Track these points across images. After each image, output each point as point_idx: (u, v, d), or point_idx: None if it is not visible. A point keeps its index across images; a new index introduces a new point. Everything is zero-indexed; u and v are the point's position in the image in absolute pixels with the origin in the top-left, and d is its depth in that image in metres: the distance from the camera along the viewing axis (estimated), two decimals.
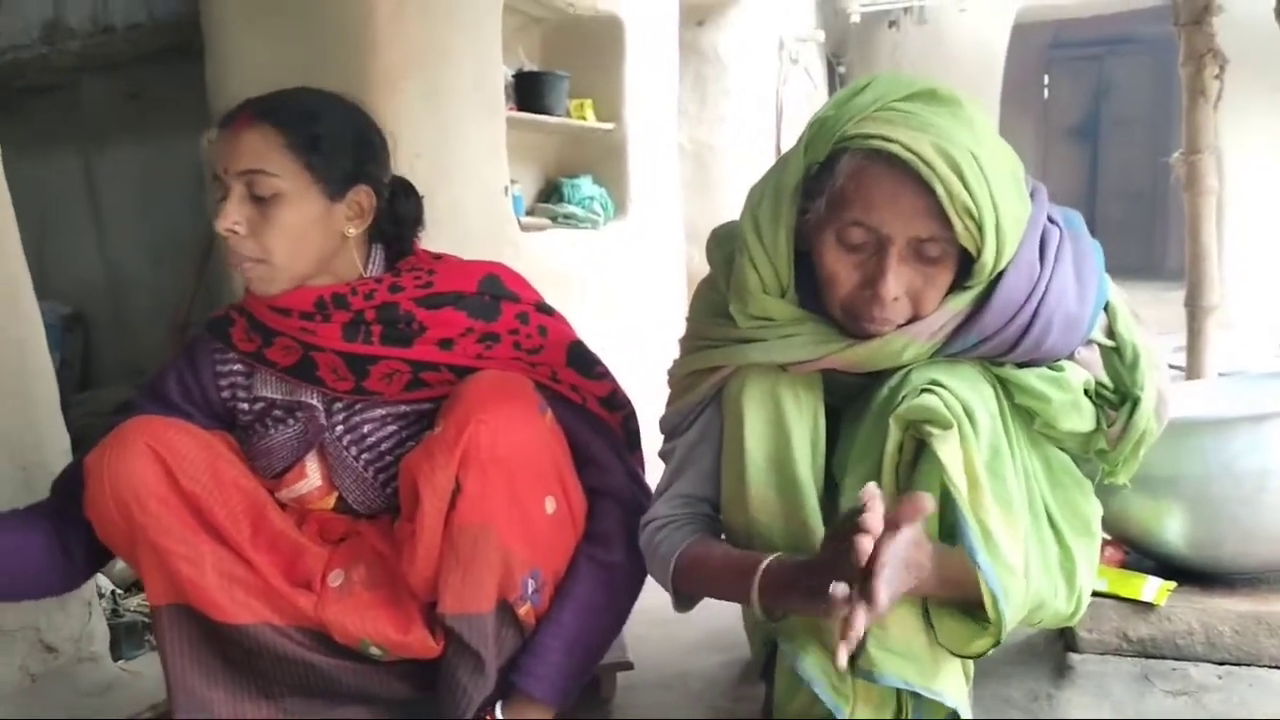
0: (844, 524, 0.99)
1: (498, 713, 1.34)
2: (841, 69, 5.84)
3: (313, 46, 2.43)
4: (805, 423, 1.17)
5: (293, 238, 1.33)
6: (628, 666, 1.62)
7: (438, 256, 1.49)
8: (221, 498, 1.31)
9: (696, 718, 1.58)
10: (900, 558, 0.95)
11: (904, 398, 1.09)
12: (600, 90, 3.60)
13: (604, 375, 1.47)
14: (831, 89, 5.70)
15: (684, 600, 1.29)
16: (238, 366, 1.46)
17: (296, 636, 1.32)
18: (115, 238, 3.61)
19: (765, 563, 1.10)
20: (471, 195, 2.69)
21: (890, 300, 1.10)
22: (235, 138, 1.32)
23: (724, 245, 1.27)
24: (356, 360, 1.38)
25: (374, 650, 1.32)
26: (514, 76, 3.23)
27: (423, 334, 1.38)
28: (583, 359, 1.46)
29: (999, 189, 1.06)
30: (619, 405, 1.47)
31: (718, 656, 1.79)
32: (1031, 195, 1.15)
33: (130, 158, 3.54)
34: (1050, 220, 1.17)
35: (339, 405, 1.43)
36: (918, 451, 1.10)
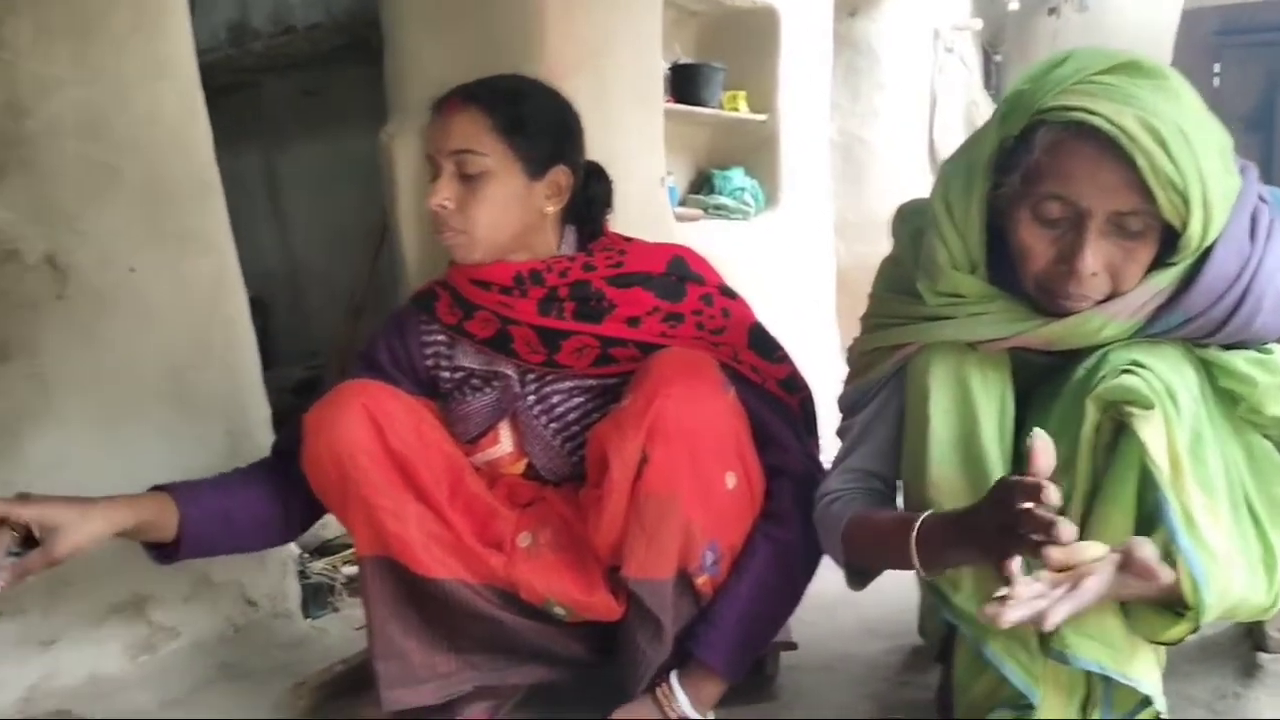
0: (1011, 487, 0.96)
1: (672, 681, 1.39)
2: (998, 58, 5.66)
3: (485, 45, 2.53)
4: (993, 403, 1.16)
5: (495, 213, 1.41)
6: (791, 646, 1.63)
7: (628, 239, 1.55)
8: (426, 459, 1.39)
9: (859, 700, 1.58)
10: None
11: (1102, 378, 1.07)
12: (753, 82, 3.60)
13: (783, 359, 1.50)
14: (987, 80, 5.54)
15: (856, 575, 1.30)
16: (441, 337, 1.54)
17: (486, 594, 1.39)
18: (293, 228, 3.84)
19: (925, 515, 1.09)
20: (630, 187, 2.73)
21: (1088, 276, 1.08)
22: (446, 121, 1.42)
23: (910, 221, 1.28)
24: (549, 334, 1.45)
25: (558, 610, 1.38)
26: (670, 69, 3.27)
27: (612, 311, 1.44)
28: (763, 342, 1.49)
29: (1206, 162, 1.03)
30: (797, 388, 1.49)
31: (881, 642, 1.79)
32: (1241, 173, 1.11)
33: (308, 153, 3.75)
34: (1260, 199, 1.13)
35: (531, 376, 1.49)
36: (1116, 433, 1.08)
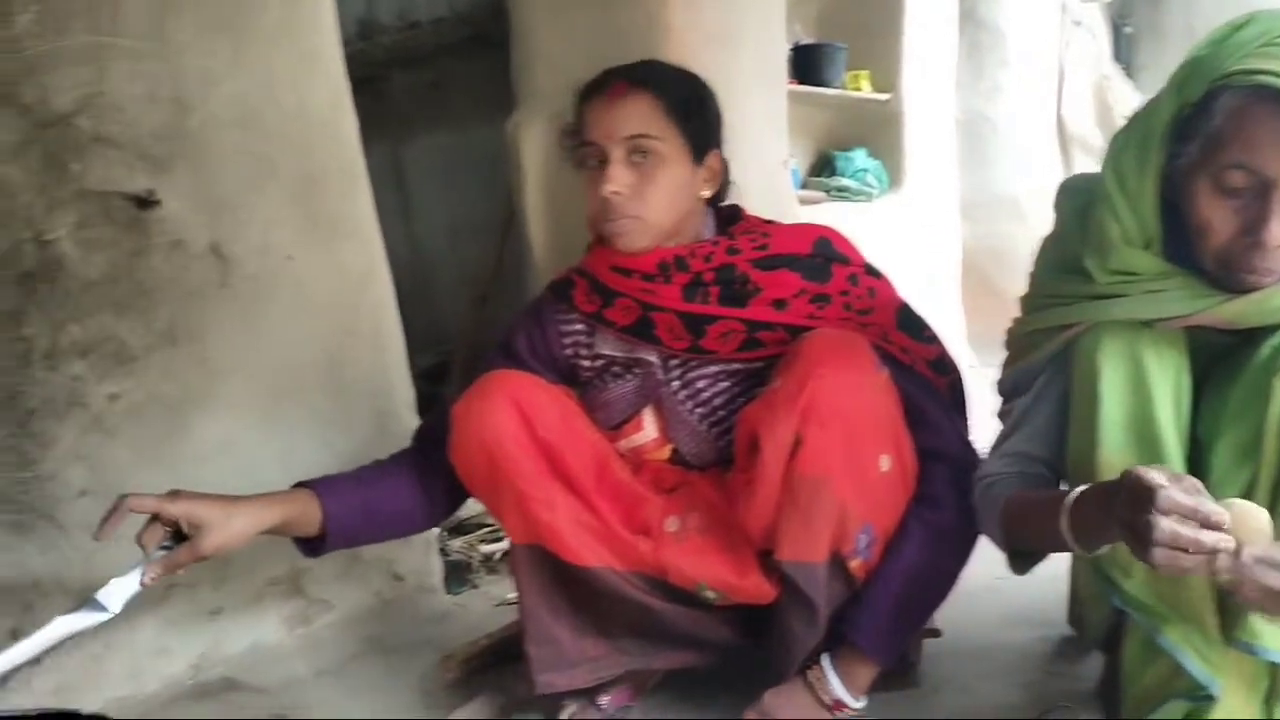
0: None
1: (824, 663, 1.38)
2: (1128, 29, 5.43)
3: (611, 32, 2.53)
4: (1169, 383, 1.11)
5: (668, 198, 1.42)
6: (935, 633, 1.61)
7: (768, 221, 1.53)
8: (572, 448, 1.40)
9: (1010, 690, 1.54)
10: None
11: None
12: (876, 61, 3.53)
13: (933, 339, 1.47)
14: (1117, 53, 5.32)
15: (1019, 559, 1.27)
16: (579, 325, 1.55)
17: (635, 581, 1.40)
18: (419, 218, 3.93)
19: (1081, 488, 1.05)
20: (753, 170, 2.71)
21: (1274, 248, 1.03)
22: (615, 105, 1.42)
23: (1075, 197, 1.23)
24: (694, 320, 1.44)
25: (709, 594, 1.38)
26: (792, 50, 3.23)
27: (757, 294, 1.43)
28: (912, 322, 1.47)
29: None
30: (947, 369, 1.46)
31: (1027, 631, 1.74)
32: None
33: (432, 145, 3.83)
34: None
35: (675, 362, 1.49)
36: None
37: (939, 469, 1.38)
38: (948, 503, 1.36)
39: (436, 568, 2.02)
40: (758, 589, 1.34)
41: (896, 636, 1.37)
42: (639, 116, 1.40)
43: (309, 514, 1.38)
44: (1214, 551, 0.85)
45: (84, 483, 1.53)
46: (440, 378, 3.38)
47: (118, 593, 1.19)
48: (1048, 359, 1.23)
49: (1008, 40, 4.60)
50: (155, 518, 1.24)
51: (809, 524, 1.29)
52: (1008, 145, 4.62)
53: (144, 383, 1.59)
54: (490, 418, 1.37)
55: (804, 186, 3.43)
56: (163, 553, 1.24)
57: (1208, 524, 0.86)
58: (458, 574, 2.13)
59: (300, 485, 1.41)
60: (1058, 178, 4.98)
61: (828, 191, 3.41)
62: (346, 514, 1.41)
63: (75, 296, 1.53)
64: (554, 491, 1.38)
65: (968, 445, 1.42)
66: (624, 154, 1.40)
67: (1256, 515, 0.90)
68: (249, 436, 1.68)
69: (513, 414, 1.37)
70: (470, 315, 3.37)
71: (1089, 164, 4.78)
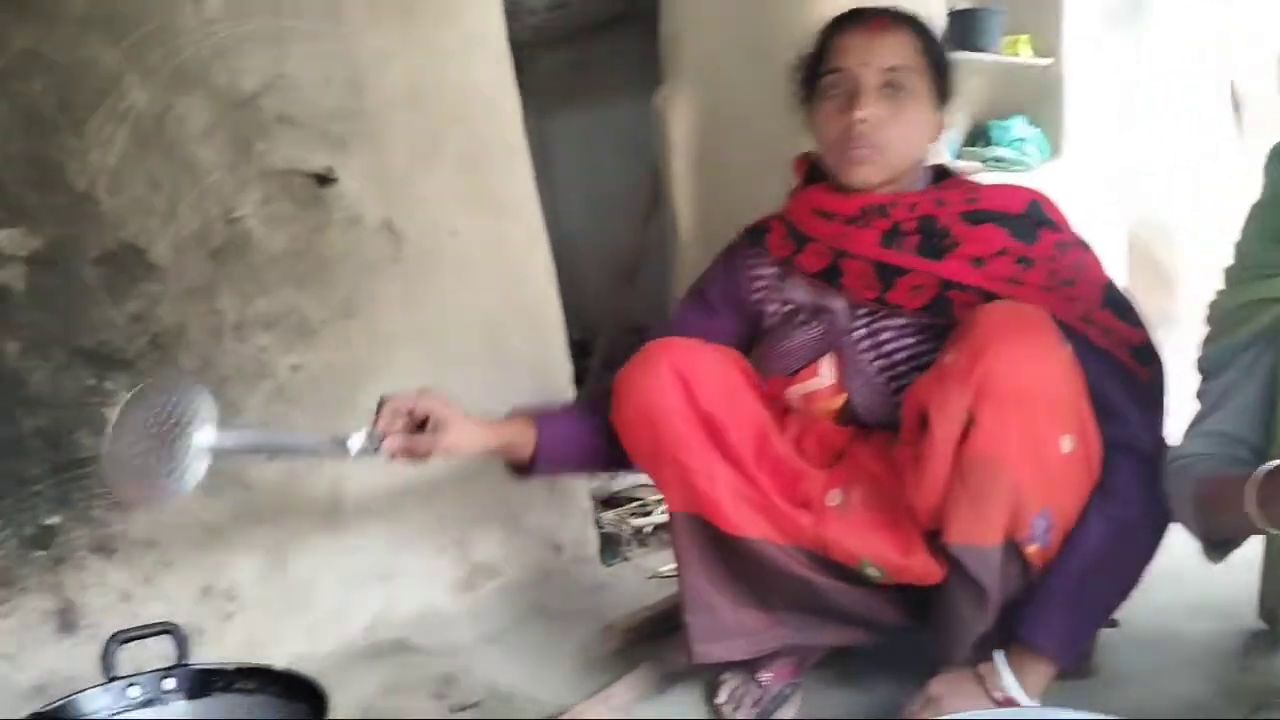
0: None
1: (997, 660, 1.32)
2: None
3: (762, 4, 2.51)
4: None
5: (911, 136, 1.42)
6: (1113, 623, 1.54)
7: (977, 183, 1.49)
8: (733, 419, 1.39)
9: (1196, 683, 1.46)
10: None
11: None
12: (1037, 24, 3.37)
13: (1139, 323, 1.37)
14: None
15: (1216, 548, 1.20)
16: (771, 270, 1.54)
17: (795, 555, 1.38)
18: (562, 196, 3.98)
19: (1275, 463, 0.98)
20: None
21: None
22: (877, 36, 1.41)
23: None
24: (886, 270, 1.41)
25: (872, 571, 1.34)
26: (948, 15, 3.12)
27: (956, 249, 1.38)
28: (1119, 301, 1.38)
29: None
30: (1150, 357, 1.36)
31: (1209, 623, 1.65)
32: None
33: (575, 122, 3.88)
34: None
35: (861, 310, 1.46)
36: None
37: (1125, 462, 1.31)
38: (1132, 498, 1.29)
39: (593, 539, 2.05)
40: (924, 569, 1.30)
41: (1074, 636, 1.32)
42: (900, 49, 1.40)
43: (524, 440, 1.45)
44: None
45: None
46: (584, 354, 3.43)
47: (356, 443, 1.29)
48: (1256, 334, 1.14)
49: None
50: (409, 413, 1.34)
51: (980, 507, 1.24)
52: (1175, 112, 4.35)
53: (322, 354, 1.66)
54: (652, 387, 1.37)
55: (959, 157, 3.31)
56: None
57: None
58: (610, 546, 2.15)
59: (518, 412, 1.48)
60: (1228, 145, 4.68)
61: (983, 162, 3.28)
62: (555, 444, 1.47)
63: (261, 271, 1.60)
64: (714, 462, 1.37)
65: (1159, 439, 1.34)
66: (878, 84, 1.39)
67: None
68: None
69: (675, 384, 1.37)
70: (615, 293, 3.40)
71: (1264, 130, 4.46)
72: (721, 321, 1.56)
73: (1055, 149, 3.42)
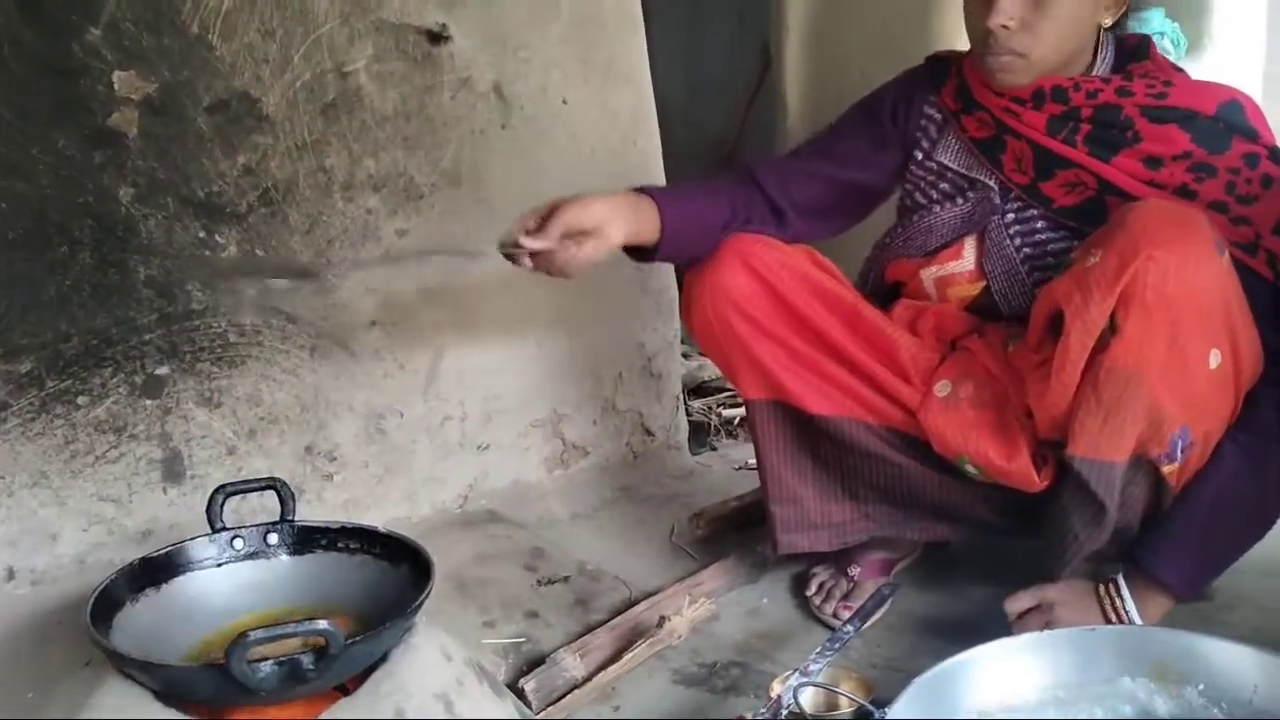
0: None
1: (1120, 583, 1.28)
2: None
3: None
4: None
5: (1062, 31, 1.28)
6: None
7: (1177, 68, 1.36)
8: (813, 301, 1.34)
9: None
10: None
11: None
12: None
13: None
14: None
15: None
16: (937, 115, 1.45)
17: (887, 436, 1.35)
18: (659, 71, 3.85)
19: None
20: None
21: None
22: None
23: None
24: (1048, 156, 1.32)
25: (970, 469, 1.30)
26: None
27: (1134, 145, 1.28)
28: None
29: None
30: None
31: None
32: None
33: None
34: None
35: (1014, 194, 1.37)
36: None
37: (1272, 396, 1.23)
38: (1274, 434, 1.22)
39: (683, 426, 2.03)
40: (1024, 475, 1.25)
41: (1200, 573, 1.27)
42: None
43: (651, 224, 1.35)
44: None
45: (374, 314, 1.59)
46: None
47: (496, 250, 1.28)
48: None
49: None
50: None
51: (1114, 421, 1.17)
52: None
53: (428, 220, 1.63)
54: (721, 276, 1.33)
55: None
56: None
57: None
58: (698, 435, 2.14)
59: (640, 192, 1.37)
60: None
61: None
62: (680, 225, 1.37)
63: (371, 130, 1.56)
64: (793, 344, 1.34)
65: None
66: None
67: None
68: (522, 277, 1.70)
69: (744, 273, 1.32)
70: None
71: None
72: (883, 141, 1.46)
73: (1196, 46, 3.18)
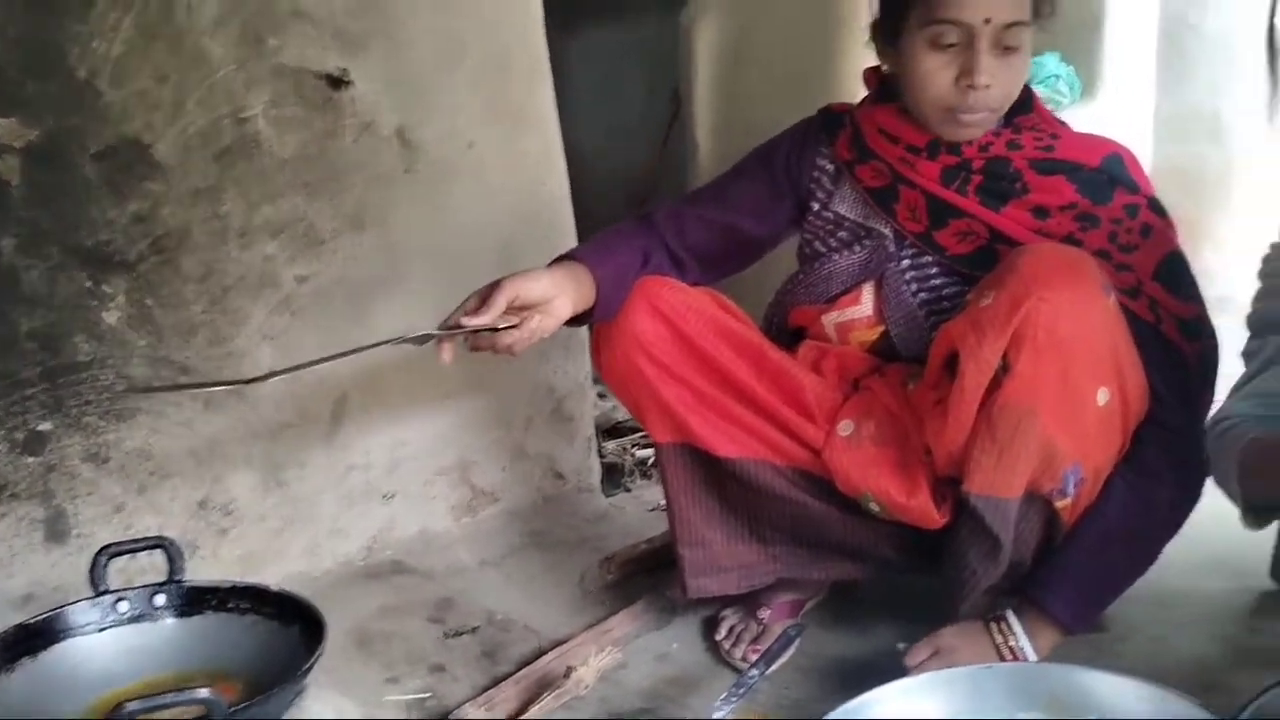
0: None
1: (1010, 618, 1.30)
2: None
3: None
4: None
5: (1018, 82, 1.32)
6: None
7: (1060, 122, 1.40)
8: (719, 342, 1.35)
9: (1206, 643, 1.44)
10: None
11: None
12: None
13: (1193, 297, 1.32)
14: None
15: (1252, 514, 1.16)
16: (830, 167, 1.47)
17: (793, 477, 1.35)
18: (577, 115, 3.86)
19: None
20: None
21: None
22: None
23: None
24: (941, 206, 1.35)
25: (873, 506, 1.31)
26: None
27: (1022, 196, 1.32)
28: (1176, 274, 1.31)
29: None
30: (1200, 333, 1.31)
31: (1225, 581, 1.62)
32: None
33: (597, 39, 3.74)
34: None
35: (909, 241, 1.40)
36: None
37: (1155, 435, 1.27)
38: (1159, 473, 1.26)
39: (595, 468, 2.02)
40: (923, 512, 1.27)
41: (1087, 606, 1.30)
42: (1016, 2, 1.26)
43: (588, 289, 1.33)
44: None
45: (272, 362, 1.56)
46: None
47: (436, 331, 1.22)
48: None
49: None
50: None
51: (1007, 458, 1.20)
52: (1211, 56, 4.21)
53: (330, 265, 1.61)
54: (627, 322, 1.33)
55: None
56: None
57: None
58: (612, 476, 2.12)
59: (561, 260, 1.36)
60: (1262, 95, 4.54)
61: None
62: (612, 286, 1.35)
63: (269, 176, 1.54)
64: (700, 386, 1.34)
65: (1195, 416, 1.30)
66: (993, 42, 1.26)
67: None
68: (427, 320, 1.68)
69: (650, 316, 1.33)
70: (628, 217, 3.33)
71: None
72: (777, 192, 1.48)
73: (1089, 89, 3.31)
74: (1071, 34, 3.31)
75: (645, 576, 1.67)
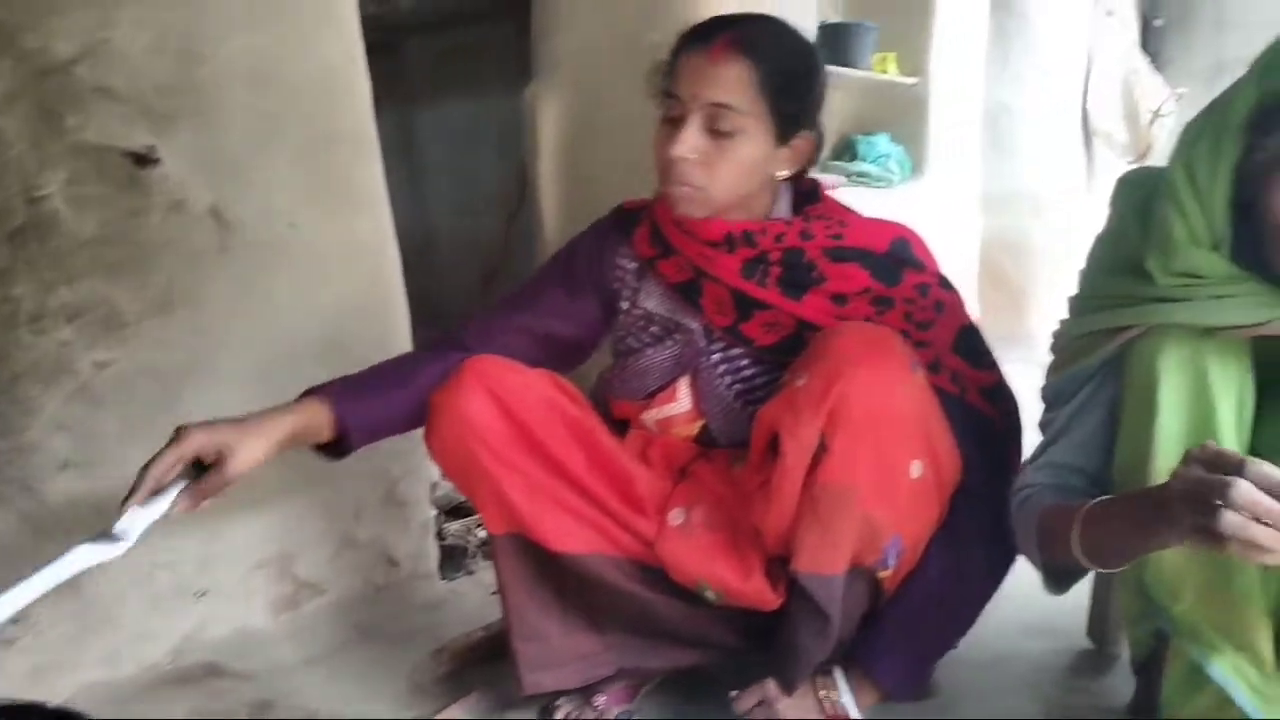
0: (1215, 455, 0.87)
1: (837, 678, 1.31)
2: (1157, 23, 5.31)
3: (636, 2, 2.45)
4: (1231, 396, 1.04)
5: (736, 175, 1.32)
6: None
7: (846, 208, 1.44)
8: (555, 429, 1.33)
9: (1027, 704, 1.48)
10: None
11: None
12: (905, 43, 3.43)
13: (991, 365, 1.38)
14: (1145, 46, 5.20)
15: (1056, 580, 1.20)
16: (632, 265, 1.47)
17: (629, 570, 1.33)
18: (428, 188, 3.84)
19: (1100, 499, 1.02)
20: None
21: None
22: (710, 66, 1.29)
23: (1136, 192, 1.15)
24: (744, 299, 1.37)
25: (709, 594, 1.31)
26: (819, 27, 3.13)
27: (820, 285, 1.35)
28: (972, 345, 1.37)
29: None
30: (1002, 398, 1.37)
31: (1044, 643, 1.68)
32: None
33: (446, 113, 3.75)
34: None
35: (717, 333, 1.41)
36: None
37: (965, 505, 1.31)
38: (970, 541, 1.30)
39: (432, 553, 1.95)
40: (759, 595, 1.27)
41: (908, 670, 1.32)
42: (730, 85, 1.28)
43: (319, 420, 1.31)
44: None
45: (68, 454, 1.46)
46: None
47: (135, 524, 1.13)
48: (1099, 364, 1.15)
49: (1036, 28, 4.48)
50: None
51: (830, 536, 1.22)
52: (1030, 137, 4.50)
53: (135, 351, 1.52)
54: (464, 406, 1.30)
55: (823, 170, 3.34)
56: (180, 486, 1.18)
57: None
58: (454, 559, 2.06)
59: (308, 393, 1.34)
60: (1080, 173, 4.86)
61: (848, 176, 3.32)
62: (361, 412, 1.34)
63: (66, 257, 1.45)
64: (535, 475, 1.31)
65: (1004, 481, 1.33)
66: (703, 119, 1.30)
67: None
68: (243, 410, 1.60)
69: (487, 402, 1.30)
70: (480, 290, 3.30)
71: (1113, 159, 4.68)
72: (581, 297, 1.48)
73: (917, 168, 3.49)
74: (899, 116, 3.50)
75: (482, 666, 1.61)
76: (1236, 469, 0.83)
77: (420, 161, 3.86)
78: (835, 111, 3.50)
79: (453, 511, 2.26)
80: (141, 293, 1.52)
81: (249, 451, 1.22)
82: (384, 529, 1.83)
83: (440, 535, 2.08)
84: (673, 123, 1.32)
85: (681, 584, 1.32)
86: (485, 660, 1.62)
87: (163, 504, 1.15)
